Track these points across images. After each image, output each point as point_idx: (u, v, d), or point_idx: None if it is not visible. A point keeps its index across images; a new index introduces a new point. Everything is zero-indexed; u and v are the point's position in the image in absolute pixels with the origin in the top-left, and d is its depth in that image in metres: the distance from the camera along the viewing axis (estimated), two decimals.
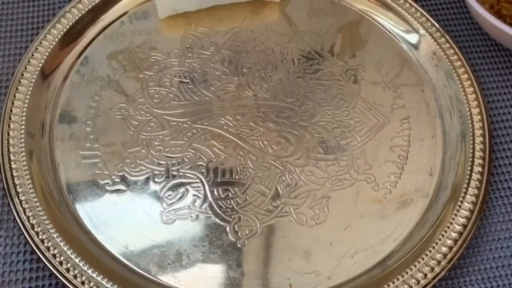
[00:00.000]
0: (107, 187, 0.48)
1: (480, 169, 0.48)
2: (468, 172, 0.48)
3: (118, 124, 0.51)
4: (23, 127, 0.49)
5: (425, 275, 0.44)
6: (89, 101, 0.52)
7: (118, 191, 0.48)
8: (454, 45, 0.55)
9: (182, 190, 0.48)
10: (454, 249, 0.45)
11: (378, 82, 0.54)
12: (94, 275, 0.43)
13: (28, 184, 0.46)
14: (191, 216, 0.47)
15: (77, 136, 0.50)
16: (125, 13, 0.57)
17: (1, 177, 0.47)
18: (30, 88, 0.51)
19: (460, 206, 0.47)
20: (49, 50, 0.53)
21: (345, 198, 0.48)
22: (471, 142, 0.50)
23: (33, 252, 0.44)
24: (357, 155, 0.50)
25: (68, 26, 0.55)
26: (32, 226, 0.44)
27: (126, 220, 0.46)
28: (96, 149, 0.49)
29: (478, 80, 0.54)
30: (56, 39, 0.54)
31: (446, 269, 0.45)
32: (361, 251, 0.46)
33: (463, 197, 0.47)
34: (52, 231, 0.44)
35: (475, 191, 0.48)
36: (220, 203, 0.48)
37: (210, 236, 0.46)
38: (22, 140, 0.48)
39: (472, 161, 0.49)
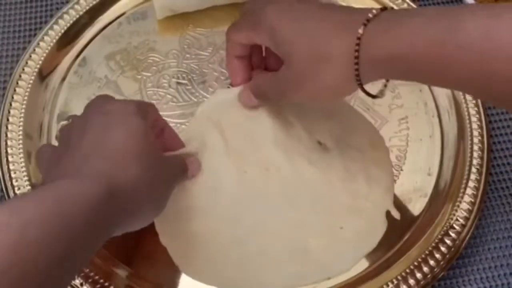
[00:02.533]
0: None
1: (478, 168, 0.49)
2: (467, 172, 0.48)
3: None
4: (21, 128, 0.49)
5: (425, 275, 0.44)
6: (87, 102, 0.51)
7: None
8: None
9: None
10: (453, 249, 0.45)
11: (376, 82, 0.54)
12: (93, 275, 0.43)
13: (27, 186, 0.46)
14: None
15: None
16: (123, 14, 0.57)
17: None
18: (28, 90, 0.51)
19: (458, 206, 0.47)
20: (46, 51, 0.53)
21: None
22: (469, 142, 0.50)
23: None
24: None
25: (65, 27, 0.55)
26: None
27: None
28: None
29: None
30: (54, 40, 0.54)
31: (445, 269, 0.45)
32: None
33: (462, 197, 0.47)
34: None
35: (473, 191, 0.48)
36: None
37: None
38: (20, 141, 0.48)
39: (470, 161, 0.49)
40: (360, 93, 0.53)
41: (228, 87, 0.51)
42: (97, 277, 0.43)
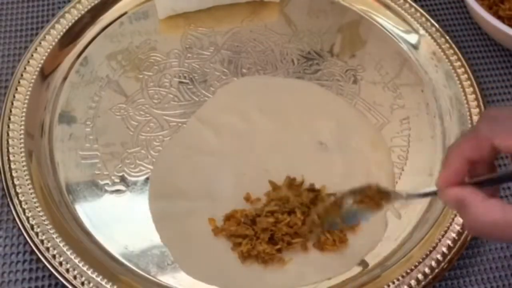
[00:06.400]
0: (106, 188, 0.48)
1: None
2: None
3: (117, 124, 0.51)
4: (22, 127, 0.49)
5: (425, 275, 0.44)
6: (89, 101, 0.52)
7: (117, 191, 0.48)
8: (453, 45, 0.55)
9: None
10: (454, 249, 0.45)
11: (377, 82, 0.54)
12: (93, 276, 0.43)
13: (28, 185, 0.46)
14: None
15: (76, 137, 0.50)
16: (125, 13, 0.57)
17: (1, 177, 0.47)
18: (30, 89, 0.51)
19: None
20: (48, 50, 0.53)
21: None
22: None
23: (32, 252, 0.44)
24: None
25: (67, 27, 0.55)
26: (32, 227, 0.44)
27: (125, 220, 0.46)
28: (95, 149, 0.49)
29: (478, 80, 0.54)
30: (56, 40, 0.54)
31: (446, 269, 0.45)
32: None
33: None
34: (51, 231, 0.44)
35: None
36: None
37: None
38: (22, 140, 0.48)
39: None
40: (361, 92, 0.53)
41: None
42: (99, 278, 0.43)
